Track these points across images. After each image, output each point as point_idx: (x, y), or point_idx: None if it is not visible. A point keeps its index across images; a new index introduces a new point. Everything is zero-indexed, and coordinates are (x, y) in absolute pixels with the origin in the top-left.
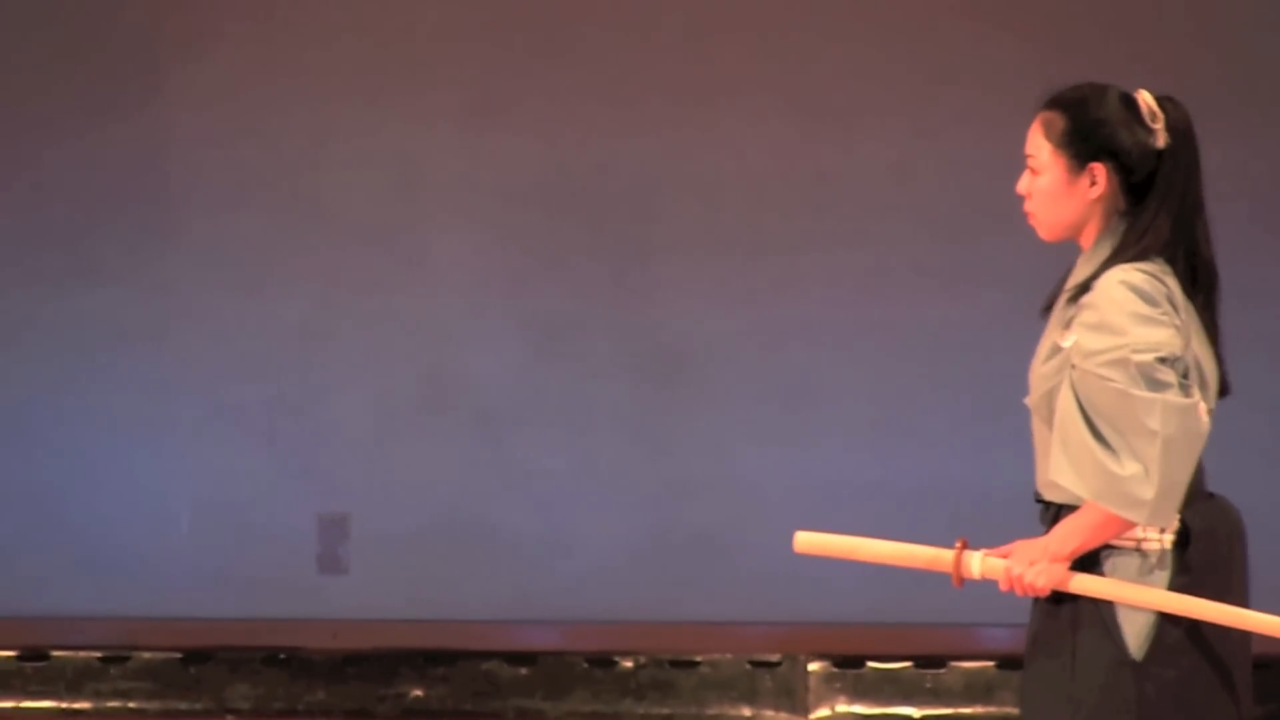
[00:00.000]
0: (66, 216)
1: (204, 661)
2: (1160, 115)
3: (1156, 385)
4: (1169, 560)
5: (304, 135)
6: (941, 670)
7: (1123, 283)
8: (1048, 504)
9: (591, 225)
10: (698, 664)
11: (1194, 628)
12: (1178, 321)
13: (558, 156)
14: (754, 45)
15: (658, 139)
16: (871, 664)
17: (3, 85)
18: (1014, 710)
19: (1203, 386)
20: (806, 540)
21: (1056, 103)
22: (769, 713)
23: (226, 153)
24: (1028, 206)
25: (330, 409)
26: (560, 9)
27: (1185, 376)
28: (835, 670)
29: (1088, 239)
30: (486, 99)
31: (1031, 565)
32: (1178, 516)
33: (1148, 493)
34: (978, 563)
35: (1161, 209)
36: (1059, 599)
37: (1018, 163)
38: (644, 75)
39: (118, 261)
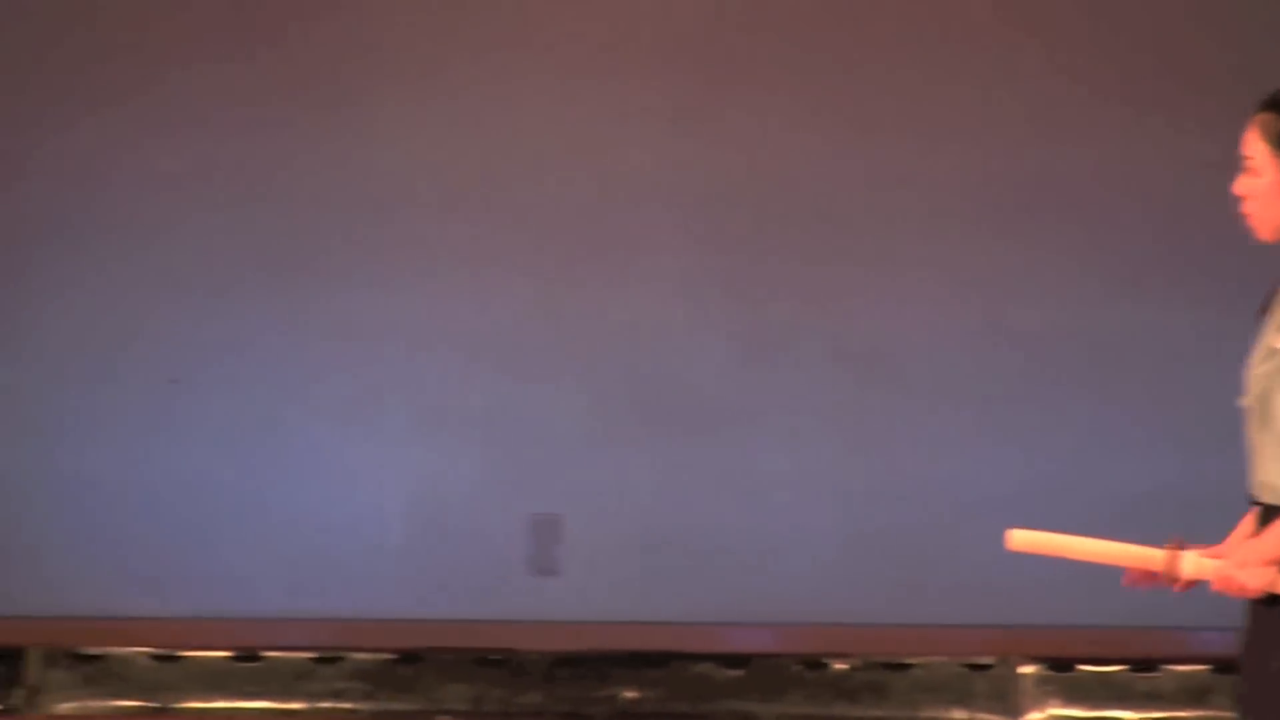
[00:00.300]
0: (281, 217)
1: (417, 663)
2: None
3: None
4: None
5: (514, 138)
6: (1155, 674)
7: None
8: (1263, 506)
9: (802, 227)
10: (911, 666)
11: None
12: None
13: (767, 159)
14: (956, 54)
15: (868, 141)
16: (1084, 667)
17: (259, 102)
18: (1228, 714)
19: None
20: (1021, 538)
21: (1272, 104)
22: (982, 715)
23: (439, 156)
24: (1245, 207)
25: (543, 411)
26: (767, 16)
27: None
28: (1048, 673)
29: None
30: (697, 102)
31: (1244, 567)
32: None
33: None
34: (1190, 563)
35: None
36: (1273, 601)
37: (1233, 163)
38: (854, 80)
39: (336, 264)
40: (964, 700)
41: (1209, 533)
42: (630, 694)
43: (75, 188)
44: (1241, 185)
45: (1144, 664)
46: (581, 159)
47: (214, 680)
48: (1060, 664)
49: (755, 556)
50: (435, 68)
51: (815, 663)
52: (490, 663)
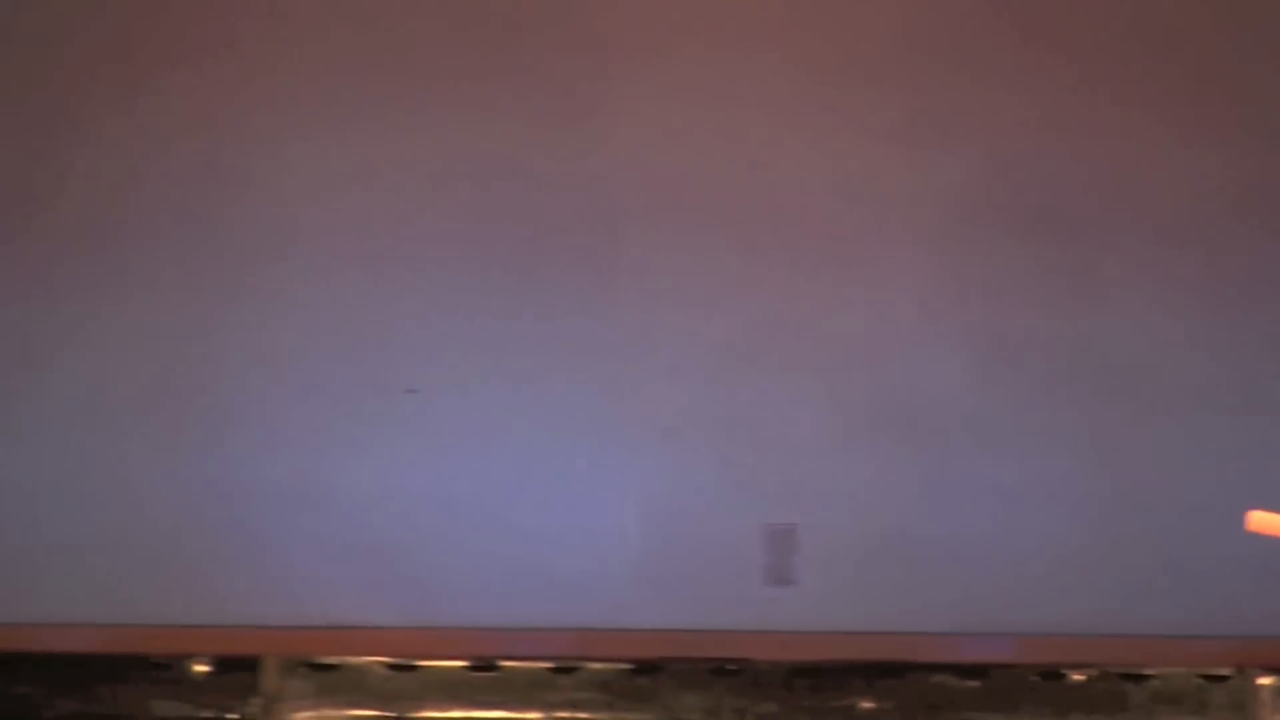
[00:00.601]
0: (519, 231)
1: (654, 673)
2: None
3: None
4: None
5: (748, 151)
6: None
7: None
8: None
9: (1037, 239)
10: (1149, 677)
11: None
12: None
13: (1004, 171)
14: (1198, 59)
15: (1105, 152)
16: None
17: (488, 110)
18: None
19: None
20: (1260, 519)
21: None
22: None
23: (671, 167)
24: None
25: (780, 421)
26: (1006, 24)
27: None
28: None
29: None
30: (936, 109)
31: None
32: None
33: None
34: None
35: None
36: None
37: None
38: (1093, 86)
39: (573, 276)
40: (1202, 711)
41: None
42: (866, 704)
43: (326, 193)
44: None
45: None
46: (821, 168)
47: (450, 690)
48: None
49: (992, 566)
50: (666, 76)
51: (1052, 673)
52: (726, 672)
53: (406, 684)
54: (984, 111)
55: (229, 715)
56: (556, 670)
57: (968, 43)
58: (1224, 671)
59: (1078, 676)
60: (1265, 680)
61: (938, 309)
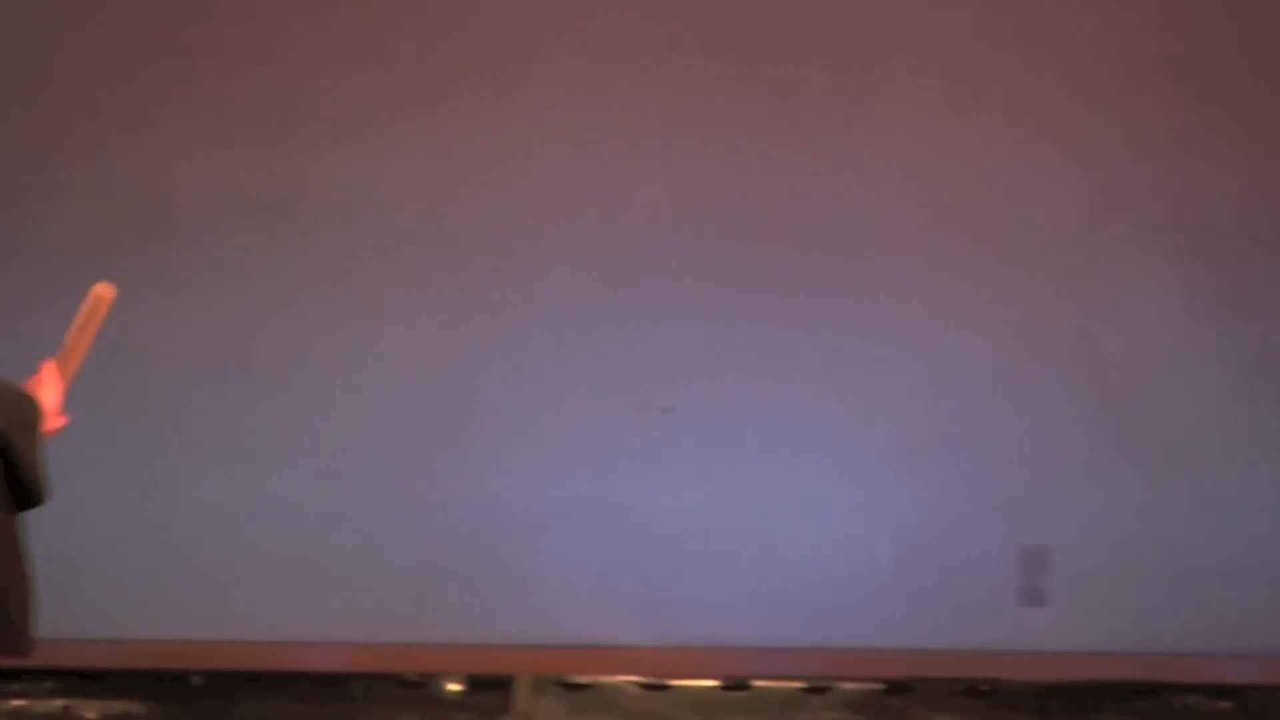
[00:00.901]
0: (762, 247)
1: (905, 692)
2: None
3: None
4: None
5: (1001, 169)
6: None
7: None
8: None
9: None
10: None
11: None
12: None
13: (1260, 188)
14: None
15: None
16: None
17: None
18: None
19: None
20: None
21: None
22: None
23: (921, 187)
24: None
25: (1032, 440)
26: (1266, 45)
27: None
28: None
29: None
30: (1189, 132)
31: None
32: None
33: None
34: None
35: None
36: None
37: None
38: None
39: (814, 298)
40: None
41: None
42: None
43: (580, 211)
44: None
45: None
46: (1075, 185)
47: (702, 709)
48: None
49: (1244, 587)
50: (920, 94)
51: None
52: (978, 693)
53: (658, 703)
54: (1239, 130)
55: None
56: (809, 690)
57: (1224, 63)
58: None
59: None
60: None
61: (1194, 326)
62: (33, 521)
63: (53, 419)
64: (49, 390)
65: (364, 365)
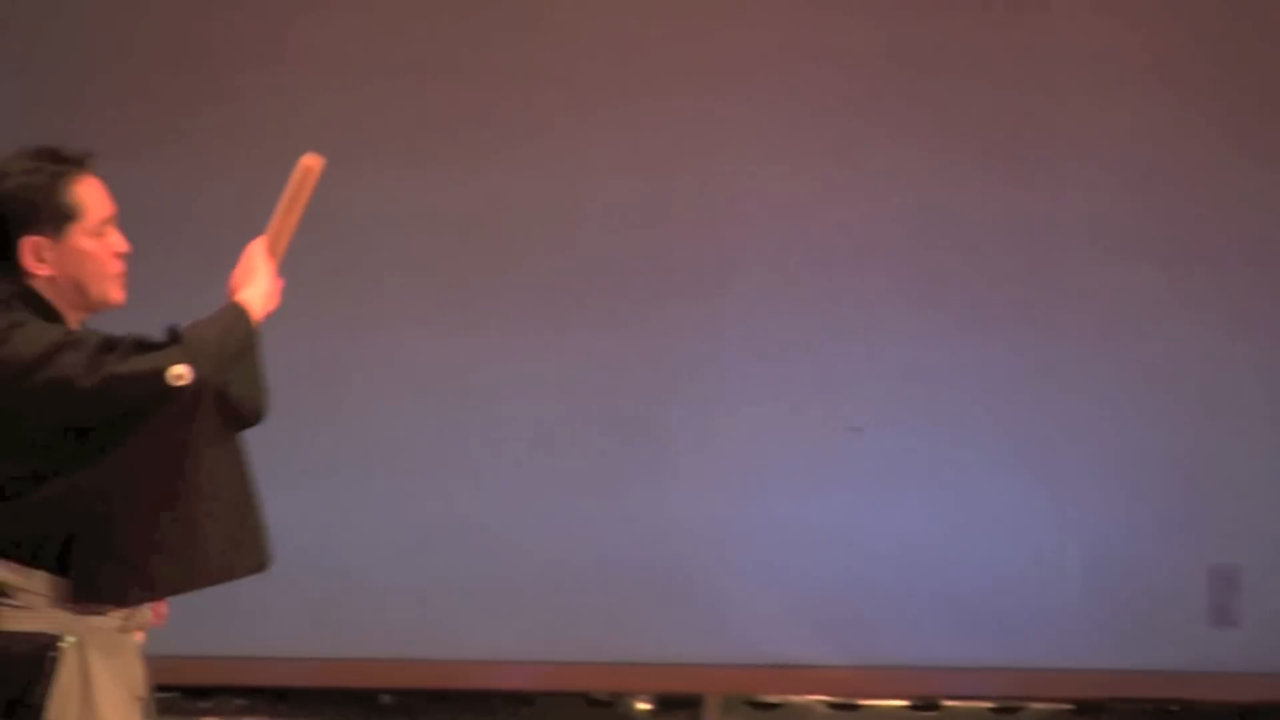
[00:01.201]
0: (950, 272)
1: (1096, 712)
2: None
3: None
4: None
5: (1180, 184)
6: None
7: None
8: None
9: None
10: None
11: None
12: None
13: None
14: None
15: None
16: None
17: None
18: None
19: None
20: None
21: None
22: None
23: (1104, 203)
24: None
25: (1223, 460)
26: None
27: None
28: None
29: None
30: None
31: None
32: None
33: None
34: None
35: None
36: None
37: None
38: None
39: (1001, 314)
40: None
41: None
42: None
43: (767, 226)
44: None
45: None
46: (1258, 201)
47: None
48: None
49: None
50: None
51: None
52: (1169, 713)
53: None
54: None
55: None
56: (998, 710)
57: None
58: None
59: None
60: None
61: None
62: None
63: (269, 299)
64: (259, 275)
65: (554, 383)
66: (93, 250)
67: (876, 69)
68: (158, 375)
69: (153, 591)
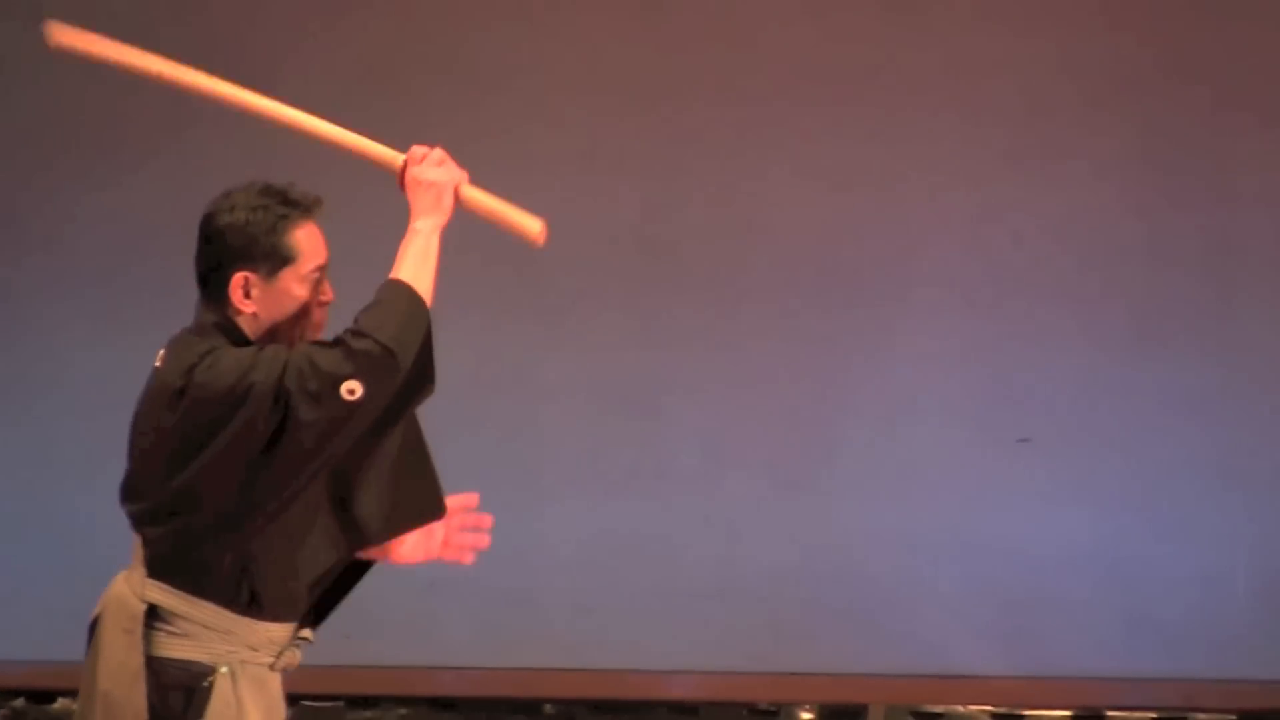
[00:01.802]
0: (1124, 279)
1: None
2: None
3: None
4: None
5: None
6: None
7: None
8: None
9: None
10: None
11: None
12: None
13: None
14: None
15: None
16: None
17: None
18: None
19: None
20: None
21: None
22: None
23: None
24: None
25: None
26: None
27: None
28: None
29: None
30: None
31: None
32: None
33: None
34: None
35: None
36: None
37: None
38: None
39: (1171, 319)
40: None
41: None
42: None
43: (940, 235)
44: None
45: None
46: None
47: None
48: None
49: None
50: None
51: None
52: None
53: None
54: None
55: None
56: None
57: None
58: None
59: None
60: None
61: None
62: None
63: (445, 206)
64: (435, 190)
65: (724, 393)
66: (300, 296)
67: (1046, 79)
68: (334, 390)
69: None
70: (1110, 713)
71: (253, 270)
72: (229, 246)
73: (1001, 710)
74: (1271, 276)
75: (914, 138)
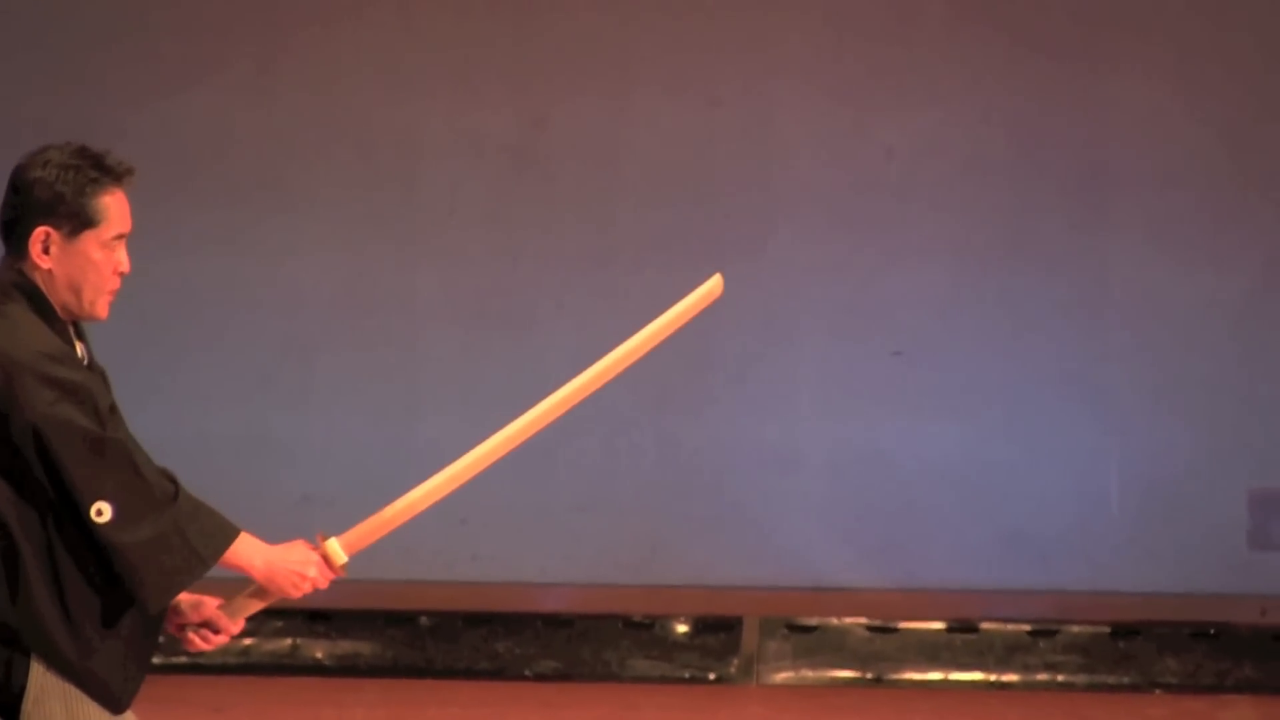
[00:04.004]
0: (998, 203)
1: (1133, 636)
2: None
3: None
4: None
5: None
6: None
7: None
8: None
9: None
10: None
11: None
12: None
13: None
14: None
15: None
16: None
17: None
18: None
19: None
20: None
21: None
22: None
23: (1161, 136)
24: None
25: (1268, 383)
26: None
27: None
28: None
29: None
30: None
31: None
32: None
33: None
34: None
35: None
36: None
37: None
38: None
39: (1047, 242)
40: None
41: None
42: None
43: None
44: None
45: None
46: None
47: (929, 651)
48: None
49: None
50: None
51: None
52: (1207, 637)
53: (886, 646)
54: None
55: (707, 675)
56: (1035, 633)
57: None
58: None
59: None
60: None
61: None
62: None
63: (281, 576)
64: (291, 559)
65: (597, 307)
66: (98, 261)
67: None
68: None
69: None
70: (984, 624)
71: (55, 227)
72: (36, 200)
73: (876, 622)
74: (1140, 189)
75: (784, 54)
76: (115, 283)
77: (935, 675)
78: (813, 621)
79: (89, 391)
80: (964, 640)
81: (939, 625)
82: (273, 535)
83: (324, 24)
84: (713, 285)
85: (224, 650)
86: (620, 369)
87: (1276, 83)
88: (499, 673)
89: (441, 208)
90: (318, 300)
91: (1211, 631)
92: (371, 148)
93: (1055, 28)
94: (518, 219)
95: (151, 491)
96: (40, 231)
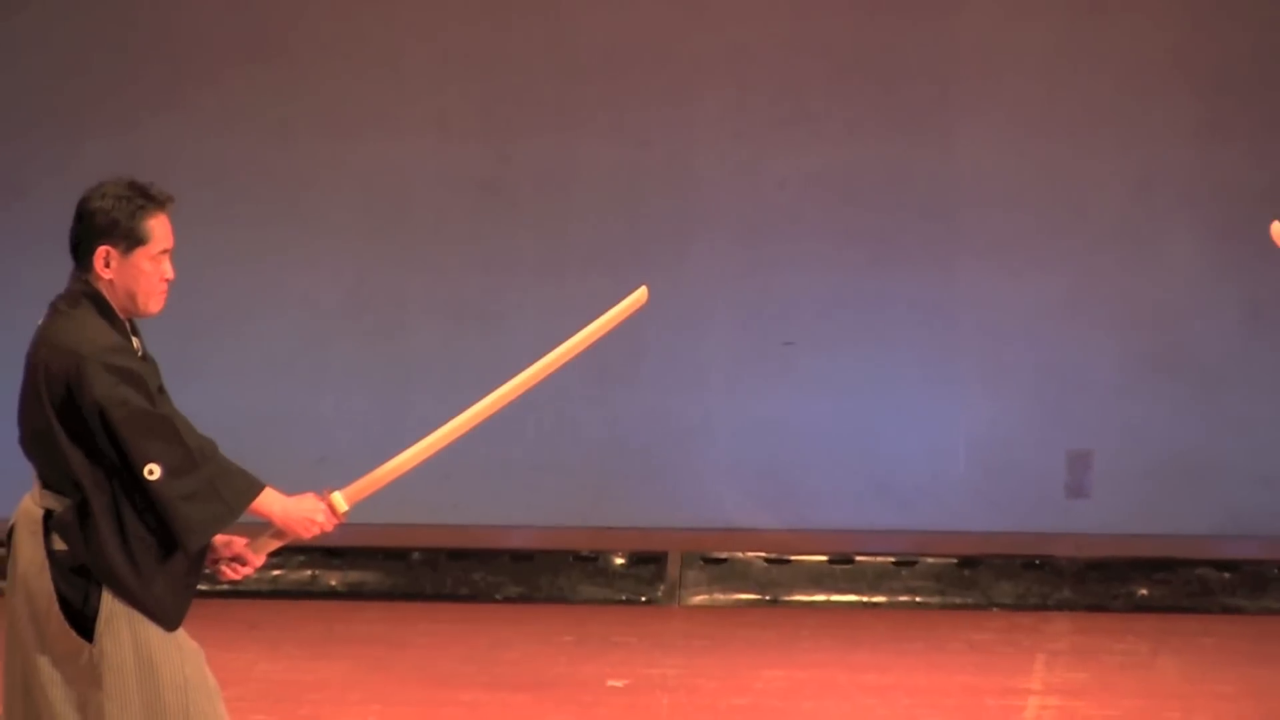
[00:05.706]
0: (868, 224)
1: (976, 566)
2: None
3: None
4: None
5: (1058, 151)
6: None
7: None
8: None
9: None
10: None
11: None
12: None
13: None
14: None
15: None
16: None
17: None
18: None
19: None
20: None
21: None
22: None
23: (1005, 172)
24: None
25: (1081, 367)
26: None
27: None
28: None
29: None
30: (1216, 121)
31: None
32: None
33: None
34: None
35: None
36: None
37: None
38: None
39: (911, 257)
40: None
41: None
42: (1143, 592)
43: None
44: None
45: None
46: (1117, 163)
47: (815, 578)
48: None
49: (1244, 483)
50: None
51: None
52: (1034, 567)
53: (780, 574)
54: (1260, 120)
55: (641, 598)
56: (899, 564)
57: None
58: None
59: None
60: None
61: (1209, 279)
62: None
63: (298, 522)
64: (303, 507)
65: (553, 307)
66: (148, 272)
67: (803, 59)
68: (143, 460)
69: None
70: (858, 557)
71: (113, 246)
72: (97, 225)
73: (773, 556)
74: (982, 212)
75: (700, 107)
76: (163, 288)
77: (820, 597)
78: (723, 555)
79: (141, 376)
80: (842, 570)
81: (822, 558)
82: (294, 489)
83: (334, 80)
84: (639, 295)
85: (257, 579)
86: (569, 358)
87: (1086, 125)
88: (474, 597)
89: (428, 228)
90: (329, 302)
91: (1037, 562)
92: (371, 181)
93: (916, 85)
94: (488, 236)
95: (192, 455)
96: (102, 250)
